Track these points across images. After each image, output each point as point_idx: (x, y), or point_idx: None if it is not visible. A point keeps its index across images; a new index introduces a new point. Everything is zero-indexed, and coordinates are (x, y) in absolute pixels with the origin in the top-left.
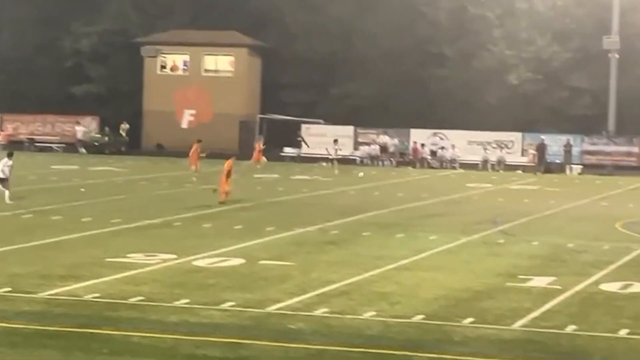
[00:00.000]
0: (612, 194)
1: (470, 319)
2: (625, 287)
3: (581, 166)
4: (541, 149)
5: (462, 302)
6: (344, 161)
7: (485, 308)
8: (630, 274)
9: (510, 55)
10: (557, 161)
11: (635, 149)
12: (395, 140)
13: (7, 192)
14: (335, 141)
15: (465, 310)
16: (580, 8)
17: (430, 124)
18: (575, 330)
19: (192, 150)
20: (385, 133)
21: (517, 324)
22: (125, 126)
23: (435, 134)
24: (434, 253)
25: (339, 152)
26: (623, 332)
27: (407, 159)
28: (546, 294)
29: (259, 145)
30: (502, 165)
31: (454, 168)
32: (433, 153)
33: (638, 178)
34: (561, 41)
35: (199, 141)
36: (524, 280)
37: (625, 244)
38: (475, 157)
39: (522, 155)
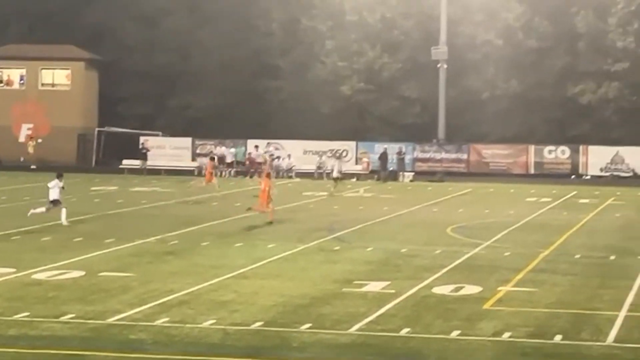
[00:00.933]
0: (442, 200)
1: (308, 325)
2: (457, 289)
3: (413, 173)
4: (384, 157)
5: (300, 308)
6: (182, 172)
7: (322, 313)
8: (461, 277)
9: (342, 67)
10: (391, 169)
11: (464, 156)
12: (233, 150)
13: (64, 211)
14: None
15: (303, 316)
16: (409, 20)
17: (267, 134)
18: (409, 332)
19: (207, 167)
20: (222, 144)
21: (354, 328)
22: None
23: (269, 144)
24: (271, 261)
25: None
26: (455, 334)
27: (245, 168)
28: (381, 299)
29: (210, 164)
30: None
31: (290, 177)
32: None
33: (467, 184)
34: (391, 52)
35: (212, 159)
36: (360, 286)
37: (455, 247)
38: (311, 166)
39: (357, 163)
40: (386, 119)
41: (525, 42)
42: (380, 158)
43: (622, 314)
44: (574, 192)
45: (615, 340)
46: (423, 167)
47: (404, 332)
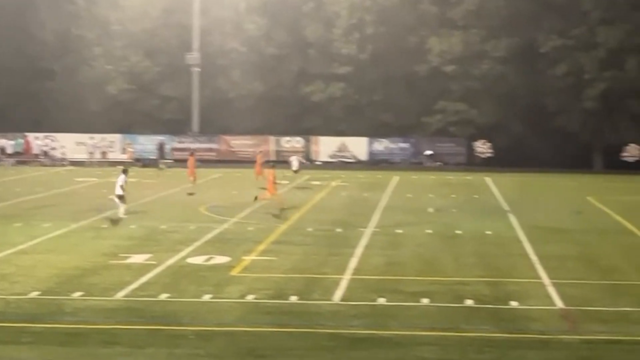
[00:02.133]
0: (200, 183)
1: (80, 293)
2: (208, 259)
3: (172, 161)
4: (161, 147)
5: (72, 278)
6: None
7: (92, 283)
8: (212, 249)
9: (109, 70)
10: (152, 157)
11: (215, 146)
12: (12, 142)
13: (122, 207)
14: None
15: (75, 286)
16: (167, 29)
17: (44, 129)
18: (167, 297)
19: (189, 162)
20: (4, 137)
21: (119, 295)
22: None
23: (46, 137)
24: (48, 238)
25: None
26: (206, 297)
27: (26, 158)
28: (143, 269)
29: (259, 157)
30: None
31: (63, 165)
32: (45, 153)
33: (218, 169)
34: (152, 57)
35: (192, 154)
36: (125, 258)
37: (208, 224)
38: (82, 155)
39: (123, 153)
40: (148, 115)
41: (266, 50)
42: (158, 148)
43: (346, 277)
44: (308, 176)
45: (341, 299)
46: (180, 155)
47: (163, 297)
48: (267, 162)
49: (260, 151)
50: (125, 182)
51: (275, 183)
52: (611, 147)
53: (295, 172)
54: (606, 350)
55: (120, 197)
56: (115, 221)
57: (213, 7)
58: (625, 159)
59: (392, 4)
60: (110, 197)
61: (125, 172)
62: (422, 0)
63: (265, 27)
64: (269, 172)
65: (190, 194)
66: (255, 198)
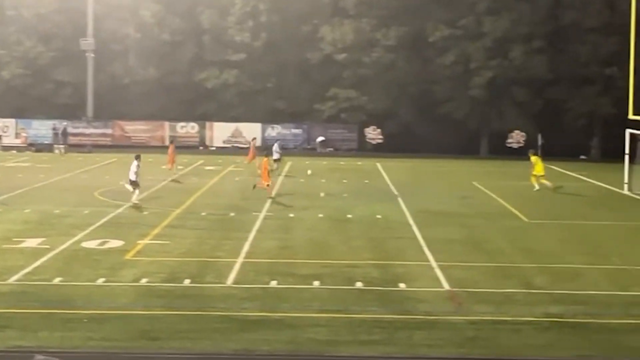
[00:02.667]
0: (91, 168)
1: None
2: (102, 243)
3: (66, 146)
4: (64, 132)
5: None
6: None
7: None
8: (106, 233)
9: (2, 55)
10: (47, 142)
11: (109, 131)
12: None
13: (135, 193)
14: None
15: None
16: (61, 14)
17: None
18: (61, 281)
19: (169, 150)
20: None
21: (12, 279)
22: None
23: None
24: None
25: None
26: (100, 281)
27: None
28: (37, 253)
29: (253, 144)
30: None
31: None
32: None
33: (112, 155)
34: (45, 42)
35: (172, 142)
36: (18, 242)
37: (102, 208)
38: None
39: (16, 137)
40: (42, 100)
41: (161, 36)
42: (62, 133)
43: (240, 260)
44: (202, 161)
45: (234, 282)
46: (75, 140)
47: (57, 280)
48: (262, 151)
49: (254, 138)
50: (139, 167)
51: (269, 171)
52: (497, 133)
53: (277, 161)
54: (492, 331)
55: (134, 183)
56: (137, 206)
57: None
58: (510, 145)
59: None
60: (122, 182)
61: (138, 158)
62: None
63: (160, 13)
64: (262, 161)
65: (176, 181)
66: (254, 187)
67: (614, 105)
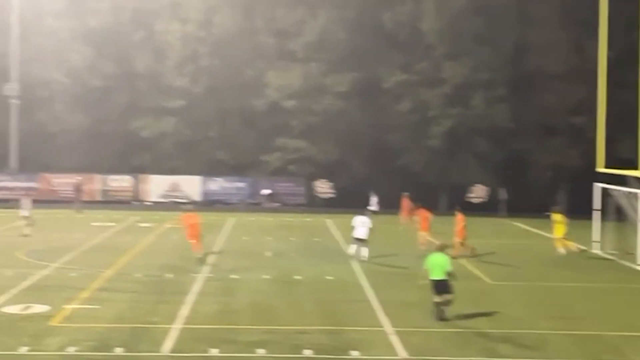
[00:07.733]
0: (14, 225)
1: None
2: (26, 308)
3: None
4: None
5: None
6: None
7: None
8: (30, 297)
9: None
10: None
11: (35, 184)
12: None
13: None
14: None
15: None
16: None
17: None
18: None
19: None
20: None
21: None
22: None
23: None
24: None
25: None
26: (23, 350)
27: None
28: None
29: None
30: None
31: None
32: None
33: (38, 210)
34: None
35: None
36: None
37: (26, 270)
38: None
39: None
40: None
41: (91, 81)
42: None
43: (177, 326)
44: (137, 217)
45: (171, 351)
46: None
47: None
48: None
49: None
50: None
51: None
52: (457, 187)
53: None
54: None
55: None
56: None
57: (33, 34)
58: (471, 200)
59: (228, 35)
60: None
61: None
62: (259, 30)
63: (91, 57)
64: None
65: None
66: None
67: (582, 157)
